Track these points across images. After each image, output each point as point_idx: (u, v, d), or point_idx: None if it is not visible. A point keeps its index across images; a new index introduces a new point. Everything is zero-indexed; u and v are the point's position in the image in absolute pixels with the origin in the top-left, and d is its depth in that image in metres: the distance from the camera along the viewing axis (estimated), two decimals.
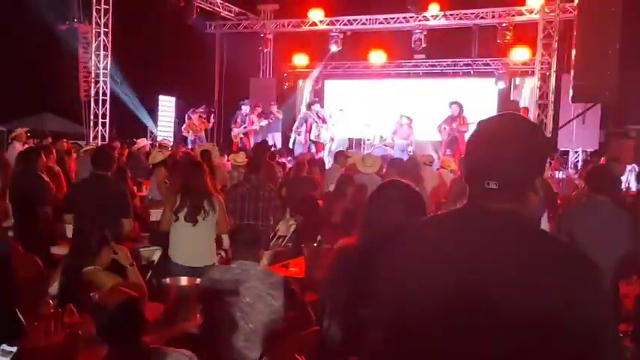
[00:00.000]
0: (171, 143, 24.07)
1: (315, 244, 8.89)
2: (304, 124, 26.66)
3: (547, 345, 2.38)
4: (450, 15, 26.90)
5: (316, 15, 28.90)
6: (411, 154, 21.46)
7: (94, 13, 24.24)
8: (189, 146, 25.07)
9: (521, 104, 27.00)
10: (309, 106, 28.13)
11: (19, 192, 10.81)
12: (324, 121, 26.01)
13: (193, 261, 8.77)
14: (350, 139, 26.56)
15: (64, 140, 18.84)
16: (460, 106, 22.49)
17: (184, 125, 27.05)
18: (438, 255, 2.61)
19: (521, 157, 2.63)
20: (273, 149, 21.35)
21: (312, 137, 26.17)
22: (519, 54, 27.63)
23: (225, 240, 9.65)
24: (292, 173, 15.28)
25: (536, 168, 2.71)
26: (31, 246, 9.49)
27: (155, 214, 12.15)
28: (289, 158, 22.39)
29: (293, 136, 26.81)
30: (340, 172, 14.22)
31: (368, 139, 25.82)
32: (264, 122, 27.08)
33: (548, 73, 22.81)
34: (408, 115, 24.21)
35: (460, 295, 2.50)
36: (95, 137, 24.36)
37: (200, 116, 27.04)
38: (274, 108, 27.97)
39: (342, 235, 5.09)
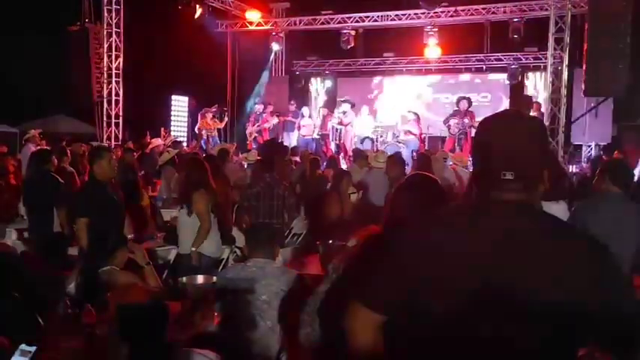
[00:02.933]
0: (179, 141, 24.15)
1: (330, 241, 8.90)
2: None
3: (573, 323, 2.53)
4: (462, 11, 26.81)
5: (327, 13, 28.82)
6: (417, 149, 21.54)
7: (105, 14, 24.28)
8: (202, 146, 25.16)
9: (534, 99, 26.99)
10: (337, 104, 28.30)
11: (32, 193, 10.83)
12: (341, 122, 25.97)
13: (219, 252, 9.15)
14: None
15: (81, 144, 18.85)
16: (469, 102, 22.45)
17: (197, 125, 27.11)
18: (459, 247, 2.68)
19: (534, 149, 2.75)
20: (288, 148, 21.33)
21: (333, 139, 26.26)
22: (531, 49, 27.67)
23: (240, 238, 9.70)
24: (308, 171, 15.28)
25: (545, 159, 2.84)
26: (46, 247, 9.54)
27: (166, 214, 12.23)
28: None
29: (296, 132, 26.89)
30: (359, 172, 14.30)
31: (381, 137, 25.84)
32: (276, 120, 27.13)
33: (560, 68, 22.75)
34: (414, 111, 24.20)
35: (483, 286, 2.57)
36: (108, 138, 24.41)
37: (213, 116, 27.08)
38: (293, 107, 27.97)
39: (353, 231, 5.09)
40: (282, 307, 6.08)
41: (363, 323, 2.89)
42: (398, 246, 2.91)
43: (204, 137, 26.45)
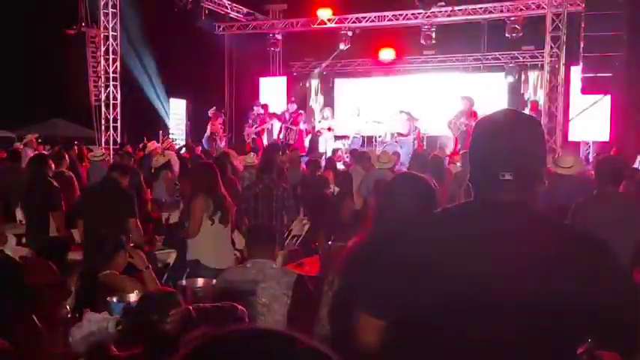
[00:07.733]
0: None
1: (329, 242, 8.89)
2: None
3: (573, 321, 2.53)
4: (459, 10, 26.78)
5: (325, 14, 28.75)
6: (416, 149, 21.52)
7: (102, 17, 24.28)
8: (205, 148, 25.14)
9: (532, 97, 26.96)
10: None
11: (30, 198, 10.83)
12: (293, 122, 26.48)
13: (225, 262, 8.77)
14: (362, 137, 26.54)
15: (75, 145, 18.84)
16: (471, 101, 22.35)
17: (209, 128, 26.99)
18: (457, 249, 2.66)
19: (532, 148, 2.76)
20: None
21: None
22: (528, 47, 27.68)
23: (239, 240, 9.66)
24: (307, 173, 15.28)
25: (543, 158, 2.85)
26: (44, 252, 9.52)
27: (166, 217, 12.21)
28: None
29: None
30: (362, 174, 14.27)
31: (379, 137, 25.80)
32: (275, 121, 27.08)
33: (557, 66, 22.72)
34: (406, 111, 24.16)
35: (482, 288, 2.55)
36: (107, 142, 24.40)
37: (224, 120, 27.17)
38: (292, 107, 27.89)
39: (354, 233, 5.06)
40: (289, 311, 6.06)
41: (366, 327, 2.89)
42: (393, 250, 2.90)
43: (209, 142, 26.45)
